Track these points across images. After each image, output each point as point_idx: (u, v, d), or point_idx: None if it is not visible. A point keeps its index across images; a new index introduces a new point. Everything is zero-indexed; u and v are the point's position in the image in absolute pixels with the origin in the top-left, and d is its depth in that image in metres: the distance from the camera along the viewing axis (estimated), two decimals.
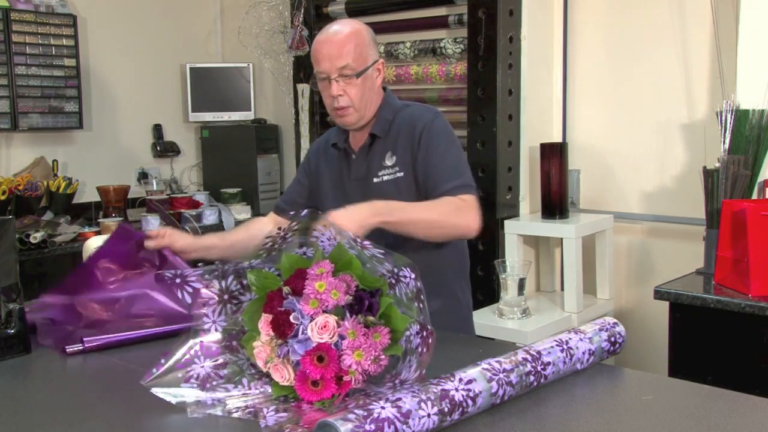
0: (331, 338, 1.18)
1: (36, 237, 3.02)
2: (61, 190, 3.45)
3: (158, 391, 1.23)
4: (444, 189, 1.71)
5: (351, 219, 1.48)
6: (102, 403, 1.26)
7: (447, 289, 1.88)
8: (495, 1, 2.87)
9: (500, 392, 1.14)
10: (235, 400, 1.22)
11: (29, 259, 2.99)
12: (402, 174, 1.79)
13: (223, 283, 1.31)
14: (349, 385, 1.17)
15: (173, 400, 1.22)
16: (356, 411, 0.99)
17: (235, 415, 1.17)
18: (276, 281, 1.29)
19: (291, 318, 1.21)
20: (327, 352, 1.17)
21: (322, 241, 1.29)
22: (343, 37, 1.77)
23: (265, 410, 1.17)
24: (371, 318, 1.20)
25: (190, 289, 1.30)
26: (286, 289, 1.25)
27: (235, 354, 1.30)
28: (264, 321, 1.25)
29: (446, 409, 1.06)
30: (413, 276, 1.24)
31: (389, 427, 0.98)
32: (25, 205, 3.31)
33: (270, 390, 1.25)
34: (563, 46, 3.15)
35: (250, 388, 1.26)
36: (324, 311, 1.20)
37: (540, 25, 3.09)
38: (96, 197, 3.73)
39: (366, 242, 1.27)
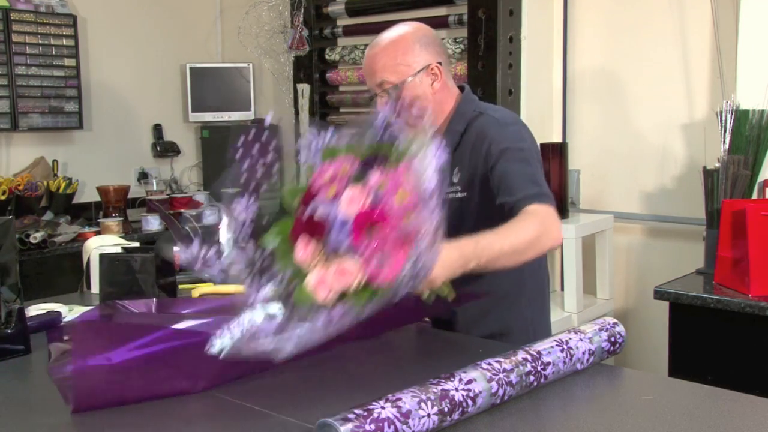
0: (367, 201, 1.05)
1: (36, 237, 3.02)
2: (61, 190, 3.45)
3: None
4: (520, 196, 1.53)
5: (444, 267, 1.29)
6: None
7: (511, 313, 1.74)
8: (495, 1, 2.87)
9: (500, 392, 1.14)
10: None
11: (29, 259, 2.99)
12: (465, 194, 1.67)
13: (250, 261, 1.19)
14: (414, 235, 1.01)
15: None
16: (356, 411, 0.99)
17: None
18: (290, 220, 1.19)
19: (319, 213, 1.09)
20: (372, 216, 1.02)
21: (312, 162, 1.22)
22: (378, 50, 1.71)
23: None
24: (391, 156, 1.07)
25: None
26: (296, 204, 1.13)
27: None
28: (299, 246, 1.12)
29: (446, 409, 1.05)
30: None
31: (389, 427, 0.98)
32: (25, 205, 3.31)
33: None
34: (563, 46, 3.15)
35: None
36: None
37: (540, 25, 3.09)
38: (96, 197, 3.73)
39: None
